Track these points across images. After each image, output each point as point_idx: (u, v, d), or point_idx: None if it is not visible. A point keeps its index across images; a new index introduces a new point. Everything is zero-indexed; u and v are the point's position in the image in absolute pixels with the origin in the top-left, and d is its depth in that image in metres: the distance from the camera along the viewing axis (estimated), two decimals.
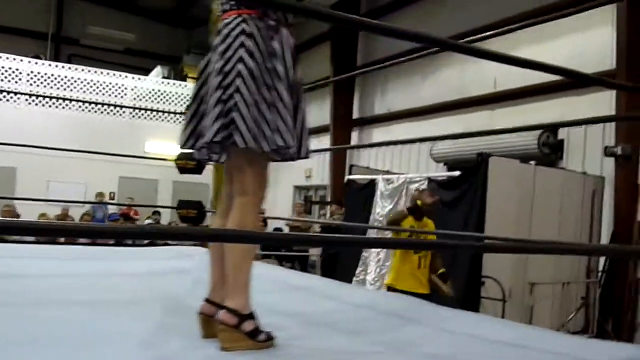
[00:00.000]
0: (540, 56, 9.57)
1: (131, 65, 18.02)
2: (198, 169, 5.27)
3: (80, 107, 15.40)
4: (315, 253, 10.70)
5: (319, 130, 15.67)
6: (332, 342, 2.28)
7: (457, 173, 7.33)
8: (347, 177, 9.50)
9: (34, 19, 17.39)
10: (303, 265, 11.10)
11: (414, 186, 7.84)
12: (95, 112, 15.55)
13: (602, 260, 8.47)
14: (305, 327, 2.50)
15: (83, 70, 15.80)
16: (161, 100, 16.44)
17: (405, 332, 2.44)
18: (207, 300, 2.15)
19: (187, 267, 3.74)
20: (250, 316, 2.03)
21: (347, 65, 14.46)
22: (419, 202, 5.43)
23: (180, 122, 16.62)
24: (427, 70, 12.65)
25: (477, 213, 6.76)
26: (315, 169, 15.98)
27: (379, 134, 14.07)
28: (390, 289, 5.46)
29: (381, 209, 8.27)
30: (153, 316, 2.32)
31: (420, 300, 3.15)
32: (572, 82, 9.41)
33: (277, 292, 3.25)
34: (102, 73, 15.86)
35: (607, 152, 8.27)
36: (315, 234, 6.82)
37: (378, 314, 2.87)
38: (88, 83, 15.70)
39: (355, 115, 14.65)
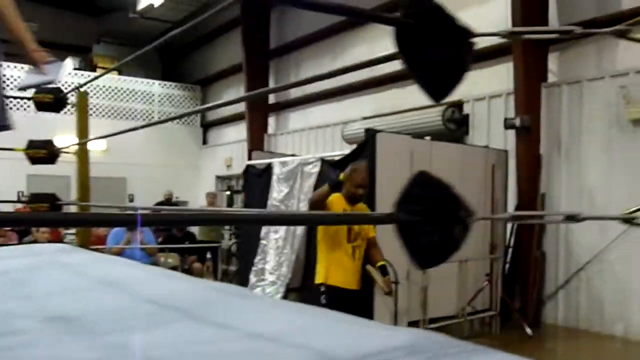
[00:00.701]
0: None
1: None
2: (50, 159, 4.79)
3: None
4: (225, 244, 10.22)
5: (234, 118, 15.18)
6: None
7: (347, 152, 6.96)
8: (246, 163, 9.04)
9: None
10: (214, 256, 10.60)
11: (308, 168, 7.45)
12: None
13: (509, 236, 8.31)
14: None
15: None
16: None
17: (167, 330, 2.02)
18: None
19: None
20: None
21: (259, 49, 13.98)
22: (341, 177, 4.80)
23: (107, 116, 15.88)
24: (336, 49, 12.29)
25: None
26: (235, 158, 15.49)
27: (296, 117, 13.66)
28: (324, 287, 4.72)
29: (277, 193, 7.86)
30: None
31: (208, 287, 2.74)
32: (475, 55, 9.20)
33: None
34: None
35: (507, 124, 8.06)
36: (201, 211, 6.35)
37: (159, 307, 2.44)
38: None
39: (271, 100, 14.18)
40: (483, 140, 8.89)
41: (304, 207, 7.38)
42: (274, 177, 7.92)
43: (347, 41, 11.80)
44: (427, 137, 7.84)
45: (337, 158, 7.16)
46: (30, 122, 14.70)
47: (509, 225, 8.26)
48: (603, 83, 7.55)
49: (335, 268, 4.75)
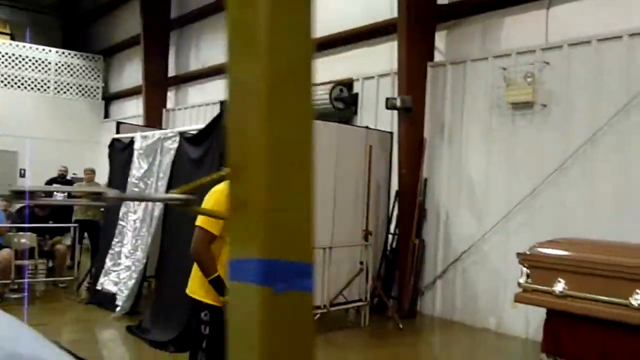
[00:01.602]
0: (336, 8, 8.79)
1: None
2: None
3: None
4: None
5: (137, 91, 14.25)
6: None
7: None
8: (113, 137, 8.29)
9: None
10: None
11: (167, 143, 6.79)
12: None
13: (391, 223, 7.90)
14: None
15: None
16: None
17: None
18: None
19: None
20: None
21: (159, 19, 13.12)
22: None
23: None
24: None
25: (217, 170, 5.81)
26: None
27: (195, 92, 12.91)
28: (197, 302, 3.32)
29: (137, 170, 7.17)
30: None
31: None
32: (365, 31, 8.73)
33: None
34: None
35: (388, 104, 7.59)
36: None
37: None
38: None
39: (171, 73, 13.36)
40: (371, 121, 8.43)
41: (162, 187, 6.73)
42: (135, 153, 7.24)
43: None
44: None
45: (194, 132, 6.53)
46: None
47: (395, 212, 7.85)
48: (486, 64, 7.18)
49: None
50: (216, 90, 12.02)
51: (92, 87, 16.23)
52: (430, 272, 7.67)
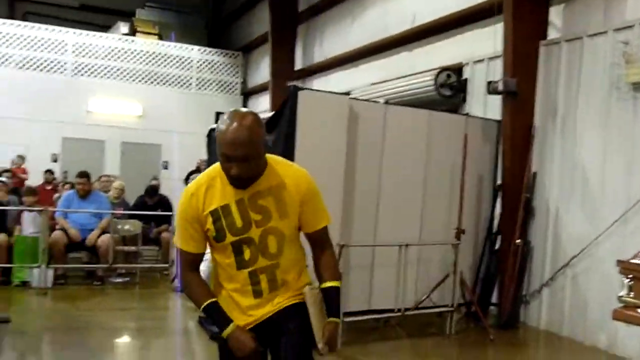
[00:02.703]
0: None
1: (88, 22, 17.20)
2: None
3: (17, 64, 14.70)
4: None
5: (265, 87, 14.43)
6: None
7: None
8: (210, 127, 8.32)
9: None
10: None
11: None
12: (35, 69, 14.80)
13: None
14: None
15: (26, 26, 15.07)
16: (108, 56, 15.52)
17: None
18: None
19: None
20: None
21: (287, 13, 13.17)
22: None
23: (126, 79, 15.76)
24: (355, 10, 11.26)
25: (283, 156, 5.52)
26: None
27: (319, 84, 12.74)
28: None
29: None
30: None
31: None
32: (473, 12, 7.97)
33: None
34: (43, 28, 15.05)
35: (490, 88, 6.80)
36: None
37: None
38: (33, 39, 14.94)
39: (298, 66, 13.35)
40: (480, 110, 7.66)
41: None
42: None
43: (367, 1, 10.76)
44: (380, 100, 6.76)
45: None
46: (66, 85, 14.88)
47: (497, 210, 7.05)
48: (605, 39, 6.12)
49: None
50: (339, 81, 11.78)
51: (231, 82, 16.82)
52: (537, 278, 6.76)
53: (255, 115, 2.22)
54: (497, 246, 6.96)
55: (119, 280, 8.10)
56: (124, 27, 16.77)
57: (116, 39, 15.76)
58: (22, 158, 12.98)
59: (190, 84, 16.29)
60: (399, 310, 5.99)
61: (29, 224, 7.67)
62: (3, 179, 9.24)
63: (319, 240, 2.42)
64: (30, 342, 5.49)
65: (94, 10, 17.86)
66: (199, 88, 16.40)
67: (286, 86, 5.70)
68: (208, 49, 16.60)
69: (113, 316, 6.66)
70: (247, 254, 2.30)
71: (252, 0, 15.82)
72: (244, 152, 2.13)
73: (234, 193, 2.27)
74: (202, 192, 2.29)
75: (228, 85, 16.76)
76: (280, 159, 2.42)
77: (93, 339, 5.66)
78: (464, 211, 6.45)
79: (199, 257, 2.38)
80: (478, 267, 6.96)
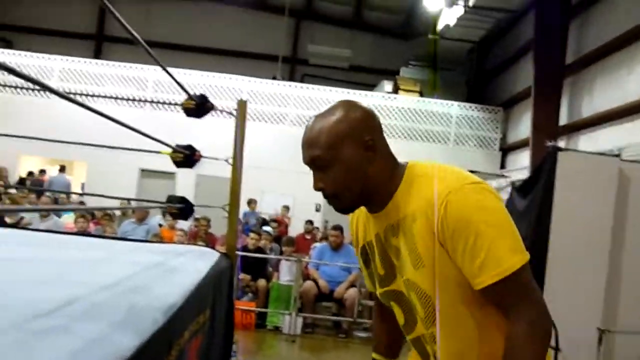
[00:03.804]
0: None
1: (357, 82, 18.36)
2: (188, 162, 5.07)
3: (292, 120, 16.23)
4: None
5: (525, 143, 13.74)
6: None
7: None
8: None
9: (274, 45, 18.76)
10: None
11: (501, 194, 6.26)
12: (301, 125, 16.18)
13: None
14: None
15: (302, 87, 16.62)
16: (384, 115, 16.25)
17: None
18: None
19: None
20: None
21: (552, 65, 12.43)
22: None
23: (388, 135, 16.22)
24: (635, 59, 10.15)
25: (536, 224, 5.07)
26: None
27: (585, 140, 11.75)
28: None
29: None
30: None
31: None
32: None
33: None
34: (316, 89, 16.44)
35: None
36: None
37: None
38: (307, 99, 16.40)
39: (563, 121, 12.45)
40: None
41: None
42: None
43: None
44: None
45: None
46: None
47: None
48: None
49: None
50: (609, 137, 10.70)
51: (490, 138, 16.39)
52: None
53: (348, 107, 1.53)
54: None
55: (363, 335, 8.18)
56: (387, 86, 17.56)
57: (379, 97, 16.50)
58: (287, 208, 14.12)
59: (448, 140, 16.27)
60: None
61: (286, 272, 8.22)
62: (268, 228, 10.08)
63: (501, 307, 1.47)
64: None
65: (362, 70, 19.03)
66: (457, 143, 16.28)
67: (545, 145, 5.27)
68: (468, 104, 16.48)
69: None
70: (399, 315, 1.65)
71: (516, 54, 15.35)
72: (311, 155, 1.52)
73: (372, 224, 1.63)
74: (355, 219, 1.73)
75: (487, 141, 16.37)
76: (424, 169, 1.57)
77: None
78: None
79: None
80: None
